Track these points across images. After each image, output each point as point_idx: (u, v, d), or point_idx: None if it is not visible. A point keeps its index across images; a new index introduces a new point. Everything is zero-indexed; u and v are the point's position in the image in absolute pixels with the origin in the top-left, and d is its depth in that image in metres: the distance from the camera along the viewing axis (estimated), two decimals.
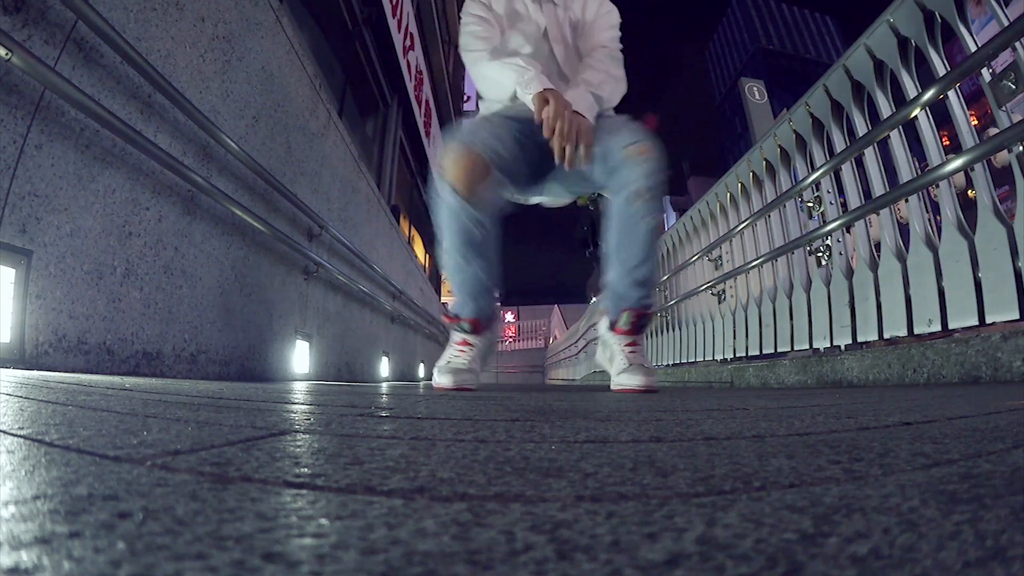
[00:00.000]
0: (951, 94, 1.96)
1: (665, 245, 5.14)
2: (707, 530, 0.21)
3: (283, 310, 2.90)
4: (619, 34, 1.95)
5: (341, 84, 5.24)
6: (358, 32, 5.68)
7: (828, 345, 2.61)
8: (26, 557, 0.17)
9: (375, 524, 0.22)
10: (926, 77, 2.08)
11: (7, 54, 1.27)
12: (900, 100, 2.23)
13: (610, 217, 1.72)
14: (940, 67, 2.05)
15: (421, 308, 6.95)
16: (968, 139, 1.90)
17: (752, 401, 1.08)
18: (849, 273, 2.56)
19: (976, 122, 1.97)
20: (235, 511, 0.23)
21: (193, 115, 1.99)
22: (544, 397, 1.32)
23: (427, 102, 9.03)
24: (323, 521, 0.22)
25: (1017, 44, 1.66)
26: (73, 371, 1.49)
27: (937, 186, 2.04)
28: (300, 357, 3.11)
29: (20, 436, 0.41)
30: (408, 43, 7.18)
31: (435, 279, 10.24)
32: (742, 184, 3.63)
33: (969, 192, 2.03)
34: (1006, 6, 1.83)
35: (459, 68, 10.94)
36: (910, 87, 2.22)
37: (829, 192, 2.79)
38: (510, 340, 31.55)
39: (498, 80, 1.79)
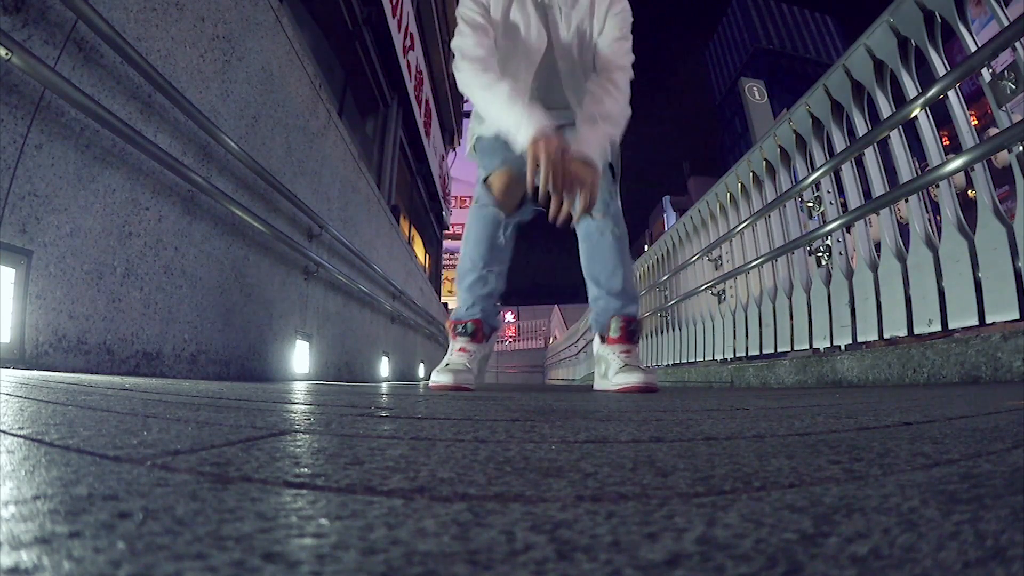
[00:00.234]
0: (951, 94, 1.96)
1: (665, 245, 5.14)
2: (707, 530, 0.21)
3: (283, 310, 2.90)
4: (631, 39, 1.80)
5: (341, 84, 5.24)
6: (358, 32, 5.68)
7: (828, 345, 2.62)
8: (26, 557, 0.17)
9: (375, 524, 0.22)
10: (926, 77, 2.08)
11: (7, 54, 1.27)
12: (900, 100, 2.22)
13: (580, 240, 1.84)
14: (940, 67, 2.05)
15: (421, 308, 6.95)
16: (968, 139, 1.90)
17: (752, 401, 1.08)
18: (849, 273, 2.56)
19: (976, 122, 1.97)
20: (235, 511, 0.23)
21: (193, 115, 1.99)
22: (544, 397, 1.32)
23: (427, 102, 9.04)
24: (323, 521, 0.22)
25: (1017, 44, 1.66)
26: (73, 371, 1.49)
27: (937, 186, 2.04)
28: (300, 357, 3.11)
29: (20, 436, 0.41)
30: (408, 43, 7.19)
31: (435, 279, 10.24)
32: (742, 184, 3.63)
33: (969, 192, 2.03)
34: (1006, 6, 1.83)
35: None
36: (910, 87, 2.22)
37: (829, 192, 2.79)
38: (510, 340, 31.55)
39: (487, 112, 1.67)
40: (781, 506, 0.25)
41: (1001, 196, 1.93)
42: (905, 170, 2.25)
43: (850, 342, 2.47)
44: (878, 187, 2.44)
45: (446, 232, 13.67)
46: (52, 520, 0.21)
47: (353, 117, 5.76)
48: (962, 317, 1.88)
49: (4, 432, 0.42)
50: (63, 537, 0.19)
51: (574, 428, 0.58)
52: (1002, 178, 2.04)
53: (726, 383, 3.21)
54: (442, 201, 11.81)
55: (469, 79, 1.64)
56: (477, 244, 1.80)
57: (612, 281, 1.80)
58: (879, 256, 2.34)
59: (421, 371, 7.12)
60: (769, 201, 3.24)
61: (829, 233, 2.61)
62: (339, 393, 1.34)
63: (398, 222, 6.37)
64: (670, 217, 39.29)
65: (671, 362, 4.62)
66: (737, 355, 3.48)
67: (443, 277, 13.38)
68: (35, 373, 1.29)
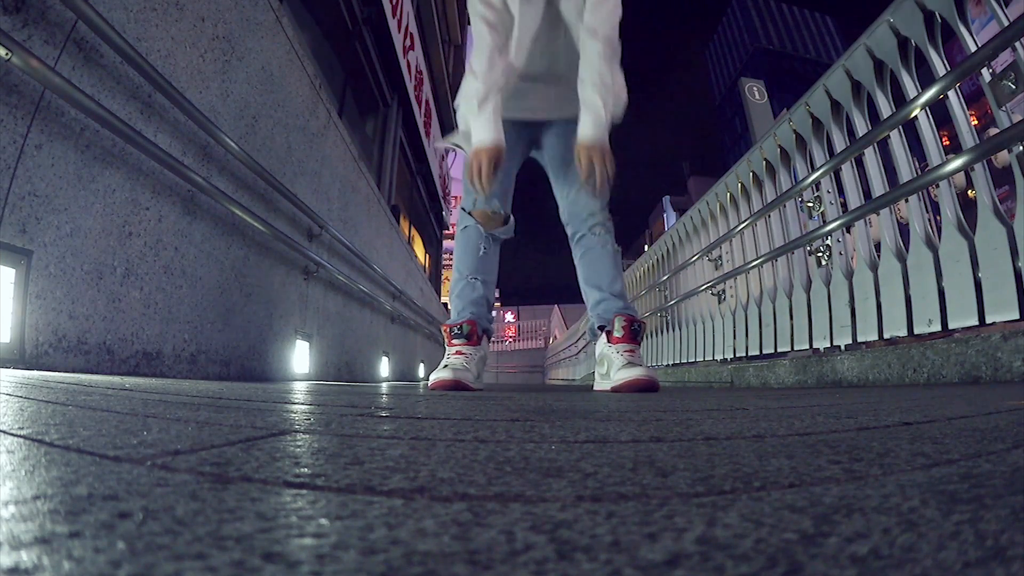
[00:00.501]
0: (951, 94, 1.96)
1: (665, 245, 5.14)
2: (707, 530, 0.21)
3: (283, 310, 2.90)
4: (620, 15, 1.87)
5: (341, 84, 5.24)
6: (358, 32, 5.68)
7: (828, 345, 2.61)
8: (26, 557, 0.17)
9: (375, 524, 0.22)
10: (926, 77, 2.08)
11: (7, 54, 1.27)
12: (900, 100, 2.22)
13: (577, 254, 2.02)
14: (940, 67, 2.05)
15: (421, 308, 6.95)
16: (968, 139, 1.90)
17: (752, 401, 1.08)
18: (849, 273, 2.56)
19: (976, 122, 1.97)
20: (235, 511, 0.23)
21: (193, 115, 1.99)
22: (544, 397, 1.32)
23: (427, 102, 9.04)
24: (323, 521, 0.22)
25: (1017, 44, 1.66)
26: (73, 371, 1.49)
27: (937, 186, 2.04)
28: (300, 357, 3.11)
29: (20, 436, 0.41)
30: (408, 43, 7.19)
31: (435, 279, 10.25)
32: (742, 184, 3.63)
33: (969, 192, 2.03)
34: (1006, 6, 1.83)
35: (459, 68, 10.94)
36: (910, 87, 2.22)
37: (829, 192, 2.79)
38: (510, 340, 31.54)
39: (466, 116, 1.89)
40: (781, 506, 0.25)
41: (1001, 196, 1.93)
42: (905, 170, 2.25)
43: (850, 342, 2.47)
44: (878, 187, 2.44)
45: (446, 232, 13.68)
46: (52, 520, 0.21)
47: (353, 117, 5.76)
48: (962, 317, 1.88)
49: (4, 432, 0.42)
50: (63, 537, 0.19)
51: (574, 428, 0.58)
52: (1002, 178, 2.04)
53: (726, 383, 3.21)
54: (442, 201, 11.82)
55: (468, 92, 1.89)
56: (463, 256, 2.03)
57: (614, 286, 1.94)
58: (879, 256, 2.34)
59: (421, 371, 7.12)
60: (769, 201, 3.24)
61: (829, 233, 2.61)
62: (339, 393, 1.34)
63: (398, 222, 6.37)
64: (670, 217, 39.29)
65: (671, 362, 4.62)
66: (737, 355, 3.48)
67: (443, 277, 13.39)
68: (35, 373, 1.29)
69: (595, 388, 1.97)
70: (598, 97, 1.79)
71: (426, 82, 9.07)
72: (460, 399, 1.14)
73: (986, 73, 1.79)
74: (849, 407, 0.82)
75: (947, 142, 2.16)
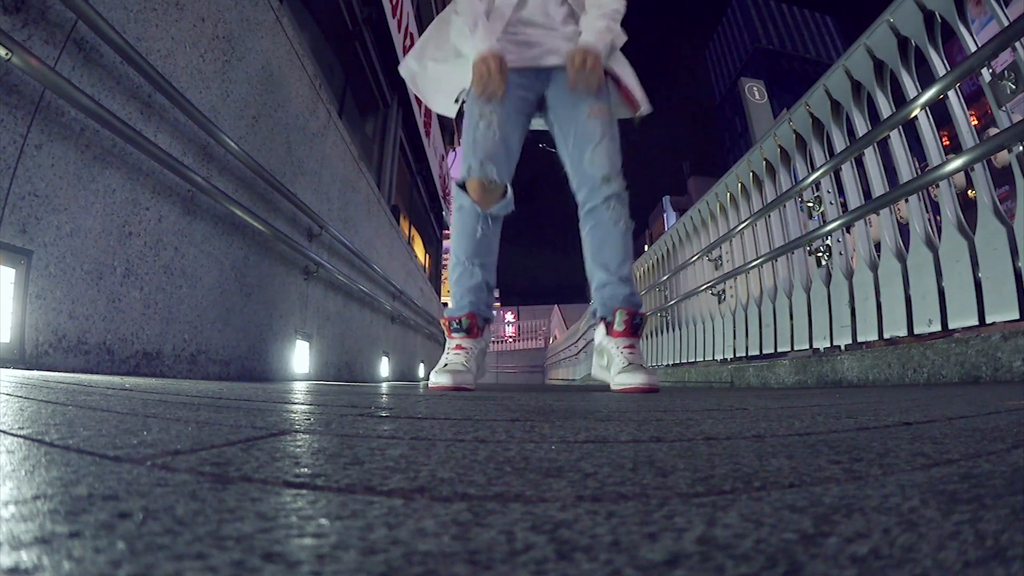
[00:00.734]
0: (951, 94, 1.96)
1: (665, 245, 5.14)
2: (707, 530, 0.21)
3: (283, 310, 2.90)
4: None
5: (341, 84, 5.24)
6: (358, 32, 5.68)
7: (828, 345, 2.61)
8: (26, 557, 0.17)
9: (375, 524, 0.22)
10: (926, 77, 2.08)
11: (7, 54, 1.27)
12: (900, 100, 2.22)
13: (585, 227, 1.90)
14: (940, 67, 2.05)
15: (421, 308, 6.95)
16: (968, 139, 1.90)
17: (752, 401, 1.08)
18: (849, 273, 2.56)
19: (976, 122, 1.97)
20: (235, 511, 0.23)
21: (193, 115, 1.99)
22: (544, 397, 1.32)
23: None
24: (323, 521, 0.22)
25: (1017, 44, 1.66)
26: (73, 371, 1.49)
27: (937, 186, 2.04)
28: (300, 357, 3.11)
29: (20, 436, 0.41)
30: (408, 43, 7.18)
31: (435, 279, 10.24)
32: (742, 184, 3.63)
33: (969, 192, 2.03)
34: (1006, 6, 1.83)
35: None
36: (910, 87, 2.22)
37: (829, 192, 2.79)
38: (510, 340, 31.54)
39: (461, 39, 1.92)
40: (781, 506, 0.25)
41: (1001, 196, 1.93)
42: (905, 170, 2.25)
43: (850, 342, 2.47)
44: (878, 187, 2.44)
45: (446, 232, 13.68)
46: (52, 520, 0.21)
47: (353, 117, 5.76)
48: (962, 317, 1.88)
49: (4, 432, 0.42)
50: (63, 537, 0.19)
51: (574, 428, 0.58)
52: (1002, 178, 2.04)
53: (726, 383, 3.21)
54: (442, 201, 11.82)
55: (459, 29, 1.91)
56: (460, 239, 1.91)
57: (623, 268, 1.83)
58: (879, 256, 2.34)
59: (421, 371, 7.12)
60: (769, 201, 3.24)
61: (829, 233, 2.61)
62: (339, 393, 1.34)
63: (398, 222, 6.37)
64: (670, 217, 39.27)
65: (671, 362, 4.62)
66: (737, 355, 3.48)
67: (443, 277, 13.40)
68: (35, 373, 1.29)
69: (592, 375, 1.95)
70: (605, 19, 1.86)
71: None
72: (460, 399, 1.14)
73: (986, 73, 1.79)
74: (849, 407, 0.82)
75: (947, 142, 2.16)
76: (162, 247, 1.91)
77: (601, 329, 1.86)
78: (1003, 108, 1.75)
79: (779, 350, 3.04)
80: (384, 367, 5.15)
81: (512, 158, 1.90)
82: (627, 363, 1.73)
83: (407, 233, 8.05)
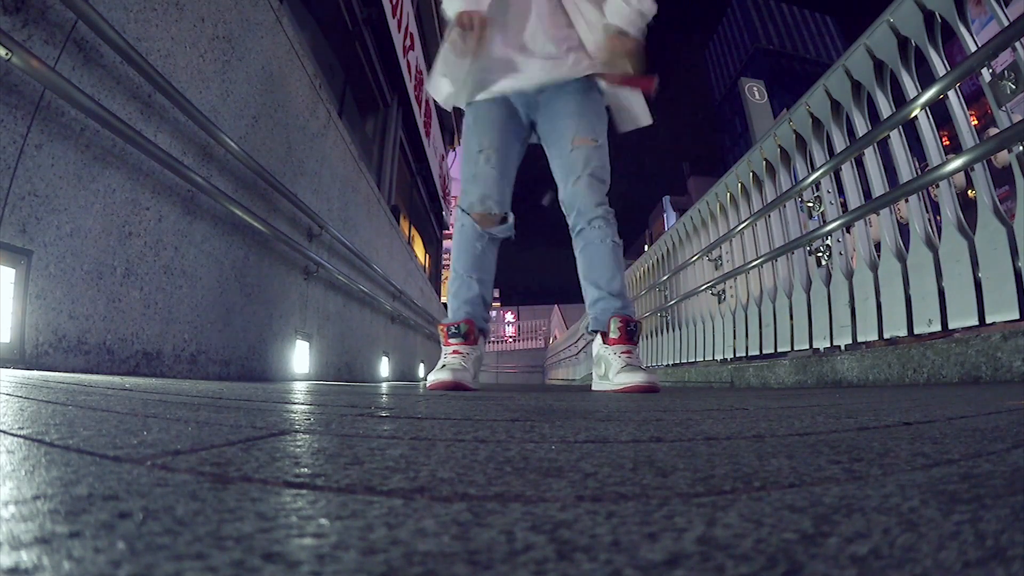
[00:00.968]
0: (951, 94, 1.96)
1: (665, 245, 5.14)
2: (707, 530, 0.21)
3: (283, 310, 2.90)
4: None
5: (341, 84, 5.24)
6: (358, 32, 5.69)
7: (828, 345, 2.62)
8: (26, 557, 0.17)
9: (375, 524, 0.22)
10: (926, 77, 2.08)
11: (7, 54, 1.27)
12: (900, 100, 2.23)
13: (577, 247, 1.98)
14: (940, 67, 2.05)
15: (421, 308, 6.95)
16: (968, 139, 1.90)
17: (752, 401, 1.08)
18: (849, 273, 2.56)
19: (976, 122, 1.97)
20: (235, 511, 0.23)
21: (193, 115, 1.99)
22: (544, 397, 1.32)
23: (427, 102, 9.03)
24: (323, 521, 0.22)
25: (1017, 44, 1.66)
26: (73, 371, 1.49)
27: (937, 186, 2.04)
28: (300, 357, 3.11)
29: (20, 436, 0.41)
30: (408, 43, 7.18)
31: (435, 279, 10.24)
32: (742, 184, 3.63)
33: (969, 192, 2.03)
34: (1006, 6, 1.83)
35: None
36: (910, 87, 2.22)
37: (829, 192, 2.79)
38: (510, 340, 31.53)
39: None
40: (781, 506, 0.25)
41: (1001, 196, 1.93)
42: (905, 170, 2.25)
43: (850, 342, 2.47)
44: (878, 187, 2.44)
45: (446, 232, 13.68)
46: (52, 520, 0.21)
47: (353, 117, 5.76)
48: (962, 317, 1.88)
49: (4, 432, 0.42)
50: (63, 537, 0.19)
51: (574, 428, 0.58)
52: (1002, 178, 2.04)
53: (726, 383, 3.21)
54: (442, 201, 11.82)
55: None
56: (460, 254, 2.00)
57: (612, 284, 1.90)
58: (879, 256, 2.34)
59: (421, 371, 7.12)
60: (769, 201, 3.24)
61: (829, 233, 2.61)
62: (339, 393, 1.34)
63: (398, 222, 6.37)
64: (670, 217, 39.25)
65: (671, 362, 4.62)
66: (737, 355, 3.48)
67: (443, 277, 13.39)
68: (35, 373, 1.29)
69: (593, 388, 1.97)
70: (629, 7, 1.86)
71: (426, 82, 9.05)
72: (460, 399, 1.14)
73: (986, 73, 1.79)
74: (849, 407, 0.82)
75: (947, 142, 2.16)
76: (162, 247, 1.91)
77: (598, 340, 1.91)
78: (1003, 108, 1.75)
79: (779, 350, 3.04)
80: (384, 367, 5.15)
81: (510, 184, 2.02)
82: (625, 364, 1.73)
83: (407, 233, 8.06)
